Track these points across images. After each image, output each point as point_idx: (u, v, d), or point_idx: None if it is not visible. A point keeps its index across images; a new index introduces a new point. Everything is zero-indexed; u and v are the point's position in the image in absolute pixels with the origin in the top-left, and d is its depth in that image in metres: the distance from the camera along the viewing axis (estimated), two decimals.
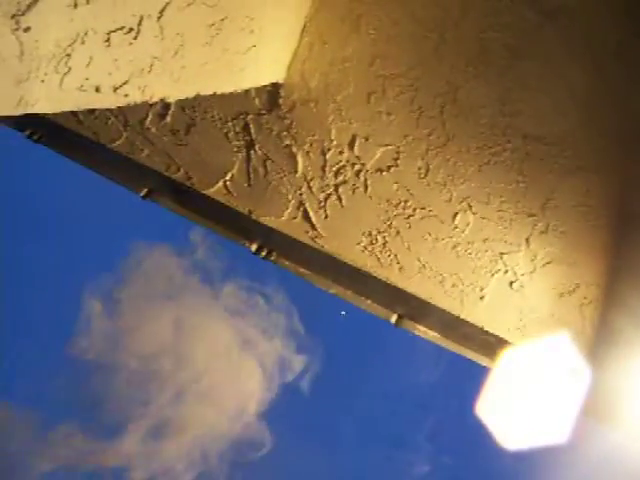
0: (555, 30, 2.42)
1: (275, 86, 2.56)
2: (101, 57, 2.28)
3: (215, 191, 2.62)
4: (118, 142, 2.63)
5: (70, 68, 2.28)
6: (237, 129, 2.59)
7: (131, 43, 2.21)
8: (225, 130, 2.59)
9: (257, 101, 2.57)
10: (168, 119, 2.56)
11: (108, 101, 2.12)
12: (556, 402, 2.49)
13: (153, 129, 2.60)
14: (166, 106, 2.55)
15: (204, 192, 2.63)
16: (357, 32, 2.48)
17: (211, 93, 2.31)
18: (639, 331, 2.44)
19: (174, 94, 2.29)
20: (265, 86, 2.56)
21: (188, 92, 2.31)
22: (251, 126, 2.58)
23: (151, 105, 2.53)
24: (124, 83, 2.35)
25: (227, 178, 2.61)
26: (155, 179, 2.64)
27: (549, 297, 2.53)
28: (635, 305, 2.42)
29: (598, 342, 2.52)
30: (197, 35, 2.29)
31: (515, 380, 2.56)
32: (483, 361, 2.63)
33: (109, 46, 2.27)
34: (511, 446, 2.51)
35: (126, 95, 2.02)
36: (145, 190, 2.67)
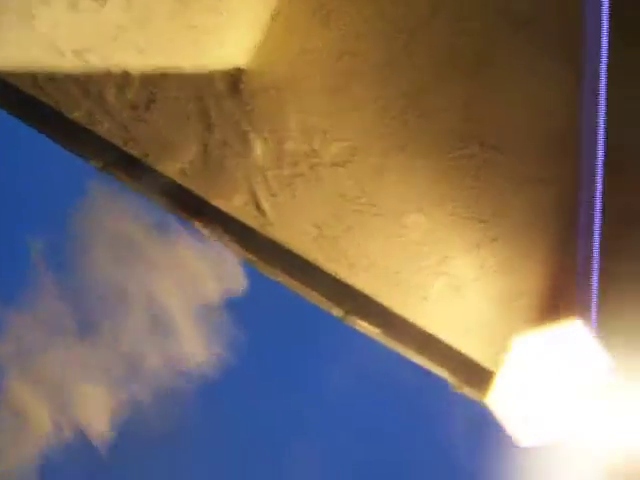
0: (525, 40, 2.44)
1: (239, 71, 2.56)
2: (66, 21, 2.25)
3: (170, 170, 2.62)
4: (77, 113, 2.61)
5: (34, 28, 2.26)
6: (197, 110, 2.59)
7: (98, 11, 2.19)
8: (185, 110, 2.59)
9: (219, 84, 2.57)
10: (129, 94, 2.56)
11: (70, 66, 2.10)
12: (572, 396, 2.47)
13: (113, 102, 2.59)
14: (128, 80, 2.54)
15: (159, 170, 2.61)
16: (327, 27, 2.48)
17: (174, 69, 2.30)
18: None
19: (137, 66, 2.27)
20: (229, 70, 2.56)
21: (151, 65, 2.30)
22: (211, 109, 2.58)
23: (113, 77, 2.51)
24: (87, 50, 2.33)
25: (184, 159, 2.61)
26: (112, 153, 2.63)
27: (494, 304, 2.57)
28: None
29: None
30: (164, 9, 2.28)
31: (529, 373, 2.54)
32: (421, 361, 2.66)
33: (75, 11, 2.25)
34: (527, 444, 2.50)
35: (87, 61, 2.00)
36: (101, 163, 2.65)
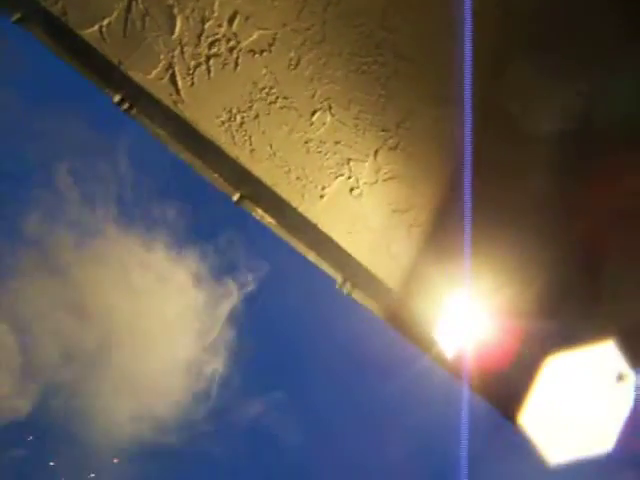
0: None
1: None
2: None
3: (89, 33, 2.62)
4: None
5: None
6: None
7: None
8: None
9: None
10: None
11: None
12: (601, 411, 2.53)
13: None
14: None
15: (77, 32, 2.61)
16: None
17: None
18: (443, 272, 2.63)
19: None
20: None
21: None
22: None
23: None
24: None
25: (104, 23, 2.62)
26: (30, 6, 2.60)
27: (383, 211, 2.70)
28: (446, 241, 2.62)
29: (411, 272, 2.70)
30: None
31: (559, 391, 2.59)
32: (309, 255, 2.77)
33: None
34: (557, 460, 2.56)
35: None
36: (18, 15, 2.63)
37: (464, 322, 2.67)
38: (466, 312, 2.67)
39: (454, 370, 2.77)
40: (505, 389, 2.80)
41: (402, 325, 2.81)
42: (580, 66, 2.51)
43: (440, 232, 2.71)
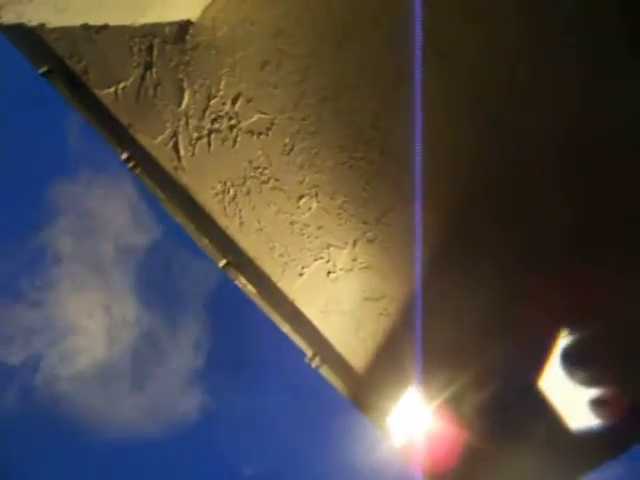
0: (446, 68, 2.59)
1: (187, 22, 2.74)
2: None
3: (105, 94, 2.84)
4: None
5: None
6: (142, 47, 2.78)
7: None
8: (132, 43, 2.78)
9: (167, 29, 2.76)
10: None
11: None
12: None
13: None
14: None
15: (95, 90, 2.84)
16: (273, 3, 2.64)
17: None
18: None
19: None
20: (180, 20, 2.74)
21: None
22: (155, 49, 2.78)
23: None
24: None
25: (120, 86, 2.83)
26: (56, 62, 2.84)
27: (356, 296, 2.84)
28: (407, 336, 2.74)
29: (376, 356, 2.84)
30: None
31: None
32: (284, 327, 2.95)
33: None
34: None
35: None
36: (45, 68, 2.87)
37: (418, 413, 2.80)
38: (420, 404, 2.80)
39: (406, 458, 2.91)
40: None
41: (363, 407, 2.97)
42: None
43: (406, 324, 2.83)
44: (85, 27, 2.76)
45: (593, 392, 2.57)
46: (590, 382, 2.50)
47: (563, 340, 2.54)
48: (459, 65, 2.50)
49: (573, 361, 2.48)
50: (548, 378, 2.71)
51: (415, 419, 2.77)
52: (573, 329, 2.62)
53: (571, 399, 2.59)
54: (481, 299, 2.69)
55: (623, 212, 2.33)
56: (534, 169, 2.51)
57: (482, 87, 2.52)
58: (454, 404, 2.70)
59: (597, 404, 2.47)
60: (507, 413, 2.79)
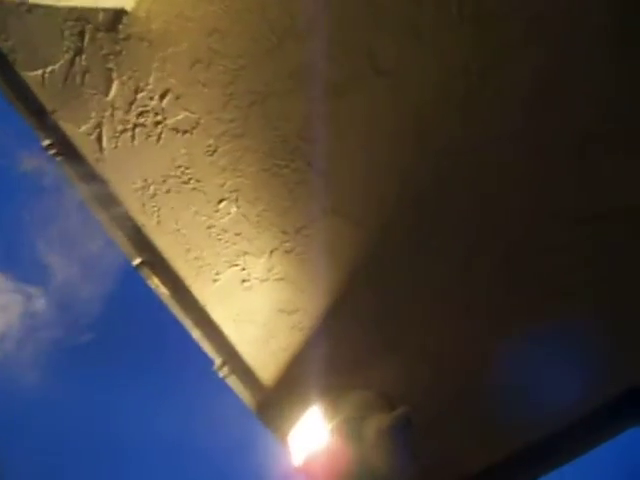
0: (382, 83, 2.53)
1: (122, 12, 2.67)
2: None
3: (32, 77, 2.75)
4: None
5: None
6: (74, 31, 2.71)
7: None
8: (63, 26, 2.70)
9: (101, 16, 2.68)
10: None
11: None
12: None
13: None
14: None
15: (21, 72, 2.74)
16: (211, 1, 2.58)
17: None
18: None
19: None
20: (114, 8, 2.67)
21: None
22: (86, 35, 2.70)
23: None
24: None
25: (47, 70, 2.74)
26: None
27: (270, 307, 2.76)
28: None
29: (285, 370, 2.76)
30: None
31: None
32: (194, 332, 2.86)
33: None
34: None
35: None
36: None
37: (317, 431, 2.72)
38: (320, 423, 2.72)
39: (304, 474, 2.82)
40: None
41: (267, 421, 2.88)
42: None
43: (318, 339, 2.75)
44: (17, 3, 2.67)
45: None
46: None
47: None
48: (397, 81, 2.44)
49: None
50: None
51: (314, 437, 2.68)
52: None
53: None
54: (393, 318, 2.63)
55: None
56: (462, 186, 2.47)
57: (418, 105, 2.47)
58: (354, 424, 2.63)
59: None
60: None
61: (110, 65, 2.70)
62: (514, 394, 2.74)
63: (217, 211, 2.71)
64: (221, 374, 2.91)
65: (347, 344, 2.72)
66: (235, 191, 2.67)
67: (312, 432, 2.64)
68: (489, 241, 2.49)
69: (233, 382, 2.92)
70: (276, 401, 2.86)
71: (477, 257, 2.51)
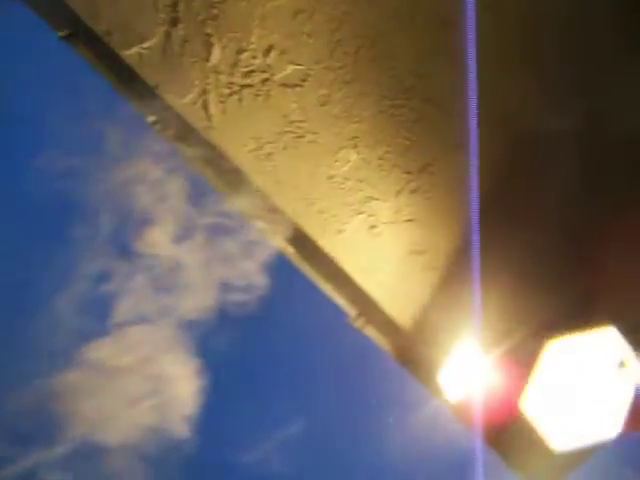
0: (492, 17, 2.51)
1: None
2: None
3: (129, 54, 2.72)
4: None
5: None
6: (167, 2, 2.67)
7: None
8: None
9: None
10: None
11: None
12: (605, 397, 2.58)
13: None
14: None
15: (119, 52, 2.71)
16: None
17: None
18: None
19: None
20: None
21: None
22: (180, 4, 2.66)
23: None
24: None
25: (144, 46, 2.71)
26: (77, 25, 2.71)
27: (400, 251, 2.74)
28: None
29: (424, 311, 2.74)
30: None
31: (562, 376, 2.65)
32: (325, 287, 2.84)
33: None
34: (563, 446, 2.62)
35: None
36: (65, 32, 2.74)
37: (472, 368, 2.70)
38: (476, 357, 2.70)
39: (461, 416, 2.81)
40: (511, 439, 2.83)
41: (411, 365, 2.86)
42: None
43: (454, 277, 2.74)
44: None
45: None
46: None
47: None
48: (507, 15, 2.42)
49: None
50: None
51: (471, 373, 2.67)
52: None
53: None
54: (538, 248, 2.62)
55: None
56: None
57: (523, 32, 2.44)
58: (515, 355, 2.61)
59: None
60: None
61: (209, 30, 2.66)
62: None
63: (337, 160, 2.68)
64: (357, 325, 2.89)
65: (488, 279, 2.70)
66: (353, 138, 2.65)
67: (467, 368, 2.61)
68: None
69: (370, 332, 2.90)
70: (419, 343, 2.84)
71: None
